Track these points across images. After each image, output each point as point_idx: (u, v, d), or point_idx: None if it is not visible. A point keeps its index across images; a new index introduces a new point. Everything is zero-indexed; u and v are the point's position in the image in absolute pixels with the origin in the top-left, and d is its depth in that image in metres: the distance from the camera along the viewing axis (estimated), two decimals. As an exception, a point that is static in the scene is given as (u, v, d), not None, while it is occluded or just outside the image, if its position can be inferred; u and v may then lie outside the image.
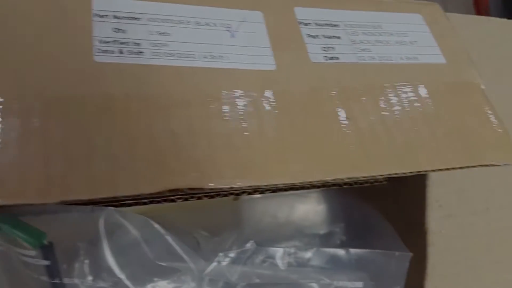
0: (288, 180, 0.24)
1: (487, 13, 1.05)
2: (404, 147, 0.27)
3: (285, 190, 0.35)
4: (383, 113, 0.28)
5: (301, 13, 0.30)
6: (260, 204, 0.41)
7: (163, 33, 0.26)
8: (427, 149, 0.28)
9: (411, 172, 0.26)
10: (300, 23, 0.30)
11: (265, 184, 0.23)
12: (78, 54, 0.24)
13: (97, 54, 0.24)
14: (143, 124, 0.23)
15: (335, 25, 0.30)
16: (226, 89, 0.25)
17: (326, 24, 0.30)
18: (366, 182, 0.38)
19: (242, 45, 0.27)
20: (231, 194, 0.34)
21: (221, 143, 0.24)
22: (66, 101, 0.22)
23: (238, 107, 0.25)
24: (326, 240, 0.41)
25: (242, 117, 0.25)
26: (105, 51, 0.24)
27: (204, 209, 0.41)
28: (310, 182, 0.24)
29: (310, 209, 0.42)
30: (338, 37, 0.30)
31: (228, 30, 0.28)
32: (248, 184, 0.23)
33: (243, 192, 0.34)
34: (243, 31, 0.28)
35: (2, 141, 0.20)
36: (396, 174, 0.26)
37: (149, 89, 0.24)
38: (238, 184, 0.22)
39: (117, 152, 0.21)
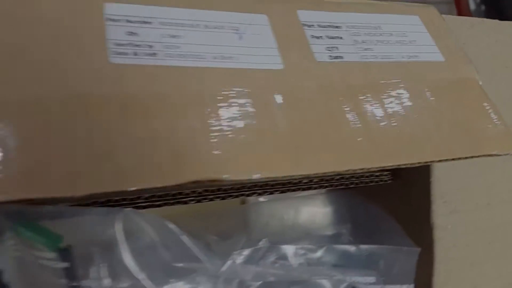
0: (302, 172, 0.25)
1: (468, 14, 1.08)
2: (411, 139, 0.28)
3: (293, 190, 0.36)
4: (388, 108, 0.29)
5: (304, 15, 0.31)
6: (266, 208, 0.42)
7: (175, 36, 0.27)
8: (432, 141, 0.29)
9: (419, 163, 0.27)
10: (304, 25, 0.31)
11: (281, 175, 0.24)
12: (94, 55, 0.25)
13: (112, 55, 0.25)
14: (162, 121, 0.24)
15: (337, 27, 0.31)
16: (238, 88, 0.26)
17: (329, 26, 0.31)
18: (372, 182, 0.39)
19: (250, 46, 0.28)
20: (241, 195, 0.35)
21: (236, 139, 0.24)
22: (85, 100, 0.23)
23: (250, 104, 0.26)
24: (333, 241, 0.41)
25: (254, 114, 0.26)
26: (120, 53, 0.25)
27: (212, 215, 0.42)
28: (323, 173, 0.25)
29: (316, 211, 0.42)
30: (341, 38, 0.31)
31: (236, 33, 0.29)
32: (265, 176, 0.23)
33: (253, 193, 0.35)
34: (250, 33, 0.29)
35: (26, 137, 0.21)
36: (404, 165, 0.27)
37: (165, 88, 0.25)
38: (255, 176, 0.23)
39: (139, 147, 0.22)
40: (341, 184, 0.37)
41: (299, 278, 0.33)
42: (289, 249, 0.34)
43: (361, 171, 0.26)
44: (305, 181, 0.36)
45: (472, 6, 1.19)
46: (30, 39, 0.24)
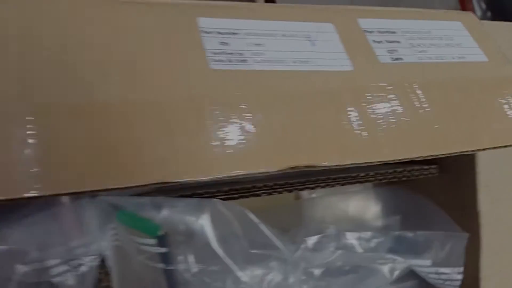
0: (380, 159, 0.28)
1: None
2: (470, 129, 0.32)
3: (343, 184, 0.40)
4: (448, 100, 0.33)
5: (364, 23, 0.35)
6: (320, 202, 0.45)
7: (259, 44, 0.31)
8: (488, 131, 0.32)
9: (478, 150, 0.31)
10: (365, 31, 0.35)
11: (369, 161, 0.27)
12: (196, 63, 0.29)
13: (211, 63, 0.29)
14: (262, 116, 0.27)
15: (394, 32, 0.35)
16: (318, 87, 0.30)
17: (386, 32, 0.35)
18: (421, 175, 0.42)
19: (322, 51, 0.32)
20: (307, 188, 0.39)
21: (324, 131, 0.28)
22: (199, 100, 0.27)
23: (325, 102, 0.30)
24: (385, 232, 0.45)
25: (327, 110, 0.29)
26: (218, 60, 0.29)
27: (269, 210, 0.45)
28: (399, 159, 0.28)
29: (367, 205, 0.46)
30: (398, 42, 0.35)
31: (308, 40, 0.32)
32: (353, 162, 0.27)
33: (308, 188, 0.38)
34: (321, 40, 0.33)
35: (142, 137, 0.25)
36: (466, 151, 0.31)
37: (258, 89, 0.29)
38: (347, 162, 0.27)
39: (248, 135, 0.26)
40: (394, 177, 0.41)
41: (362, 263, 0.37)
42: (352, 236, 0.37)
43: (419, 158, 0.30)
44: (362, 174, 0.39)
45: (478, 12, 1.23)
46: (142, 50, 0.28)
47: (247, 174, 0.25)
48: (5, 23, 0.25)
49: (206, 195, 0.35)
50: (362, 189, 0.46)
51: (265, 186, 0.37)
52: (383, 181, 0.41)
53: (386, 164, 0.38)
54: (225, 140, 0.26)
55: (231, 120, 0.27)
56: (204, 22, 0.30)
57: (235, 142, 0.26)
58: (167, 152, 0.25)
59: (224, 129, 0.26)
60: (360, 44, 0.34)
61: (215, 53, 0.29)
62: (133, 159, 0.24)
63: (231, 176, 0.26)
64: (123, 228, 0.32)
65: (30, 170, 0.22)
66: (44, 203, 0.30)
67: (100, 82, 0.25)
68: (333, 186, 0.40)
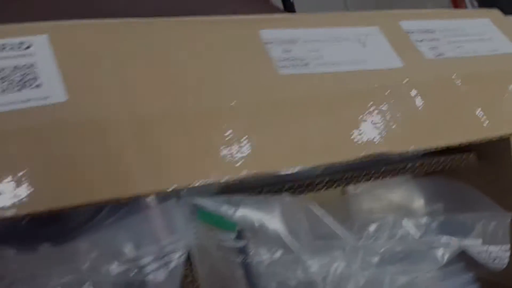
0: (439, 143, 0.32)
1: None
2: (507, 115, 0.35)
3: (382, 176, 0.43)
4: (488, 89, 0.36)
5: (405, 25, 0.38)
6: (366, 196, 0.48)
7: (317, 49, 0.34)
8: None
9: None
10: (407, 32, 0.38)
11: (429, 147, 0.31)
12: (265, 70, 0.32)
13: (279, 68, 0.32)
14: (329, 112, 0.30)
15: (432, 31, 0.39)
16: (375, 84, 0.33)
17: (426, 31, 0.39)
18: (461, 163, 0.45)
19: (373, 51, 0.35)
20: (358, 182, 0.42)
21: (384, 123, 0.31)
22: (276, 103, 0.30)
23: (388, 96, 0.33)
24: (430, 219, 0.47)
25: (392, 103, 0.33)
26: (284, 66, 0.32)
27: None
28: (457, 143, 0.32)
29: (411, 195, 0.48)
30: (438, 39, 0.38)
31: (359, 42, 0.36)
32: (416, 148, 0.30)
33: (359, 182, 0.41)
34: (370, 42, 0.36)
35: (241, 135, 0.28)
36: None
37: (322, 90, 0.32)
38: (411, 148, 0.30)
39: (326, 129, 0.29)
40: (437, 166, 0.44)
41: (418, 247, 0.40)
42: (407, 223, 0.40)
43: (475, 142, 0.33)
44: (409, 165, 0.42)
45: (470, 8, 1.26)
46: (216, 66, 0.31)
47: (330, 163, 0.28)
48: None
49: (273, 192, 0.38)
50: (403, 181, 0.49)
51: (321, 181, 0.40)
52: (428, 170, 0.44)
53: (425, 155, 0.41)
54: (308, 135, 0.29)
55: (310, 116, 0.30)
56: (266, 34, 0.34)
57: (316, 134, 0.29)
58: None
59: (305, 125, 0.29)
60: (405, 43, 0.37)
61: (280, 60, 0.33)
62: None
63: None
64: (203, 226, 0.35)
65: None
66: (133, 206, 0.33)
67: (193, 91, 0.28)
68: (380, 178, 0.43)
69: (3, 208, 0.22)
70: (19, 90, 0.26)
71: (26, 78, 0.27)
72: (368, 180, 0.42)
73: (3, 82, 0.26)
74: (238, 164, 0.28)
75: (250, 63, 0.32)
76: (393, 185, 0.48)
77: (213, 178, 0.28)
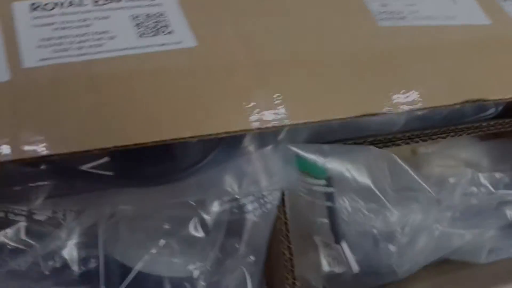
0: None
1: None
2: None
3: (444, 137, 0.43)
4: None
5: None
6: (437, 155, 0.49)
7: (412, 4, 0.36)
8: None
9: None
10: (493, -8, 0.39)
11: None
12: (364, 23, 0.34)
13: (379, 21, 0.34)
14: (431, 59, 0.32)
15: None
16: (467, 37, 0.35)
17: (510, -8, 0.40)
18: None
19: (463, 8, 0.37)
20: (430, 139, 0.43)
21: (484, 71, 0.33)
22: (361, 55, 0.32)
23: (481, 48, 0.34)
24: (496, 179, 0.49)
25: (485, 54, 0.34)
26: (383, 19, 0.34)
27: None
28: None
29: (479, 155, 0.50)
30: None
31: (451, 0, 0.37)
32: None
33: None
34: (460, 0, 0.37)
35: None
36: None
37: (422, 41, 0.34)
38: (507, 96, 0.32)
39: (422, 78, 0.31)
40: (501, 128, 0.44)
41: (498, 200, 0.41)
42: (485, 177, 0.42)
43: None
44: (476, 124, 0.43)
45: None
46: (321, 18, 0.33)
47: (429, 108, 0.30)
48: None
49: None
50: (472, 142, 0.50)
51: (404, 136, 0.41)
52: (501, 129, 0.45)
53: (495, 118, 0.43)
54: (411, 82, 0.31)
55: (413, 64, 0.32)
56: (363, -10, 0.35)
57: (417, 83, 0.31)
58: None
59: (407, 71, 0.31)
60: (491, 3, 0.38)
61: (379, 13, 0.34)
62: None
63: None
64: (297, 171, 0.37)
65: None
66: (237, 150, 0.35)
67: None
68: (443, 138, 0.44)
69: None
70: (154, 35, 0.29)
71: (159, 25, 0.29)
72: (444, 137, 0.43)
73: (139, 28, 0.29)
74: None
75: (352, 16, 0.33)
76: (462, 145, 0.49)
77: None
